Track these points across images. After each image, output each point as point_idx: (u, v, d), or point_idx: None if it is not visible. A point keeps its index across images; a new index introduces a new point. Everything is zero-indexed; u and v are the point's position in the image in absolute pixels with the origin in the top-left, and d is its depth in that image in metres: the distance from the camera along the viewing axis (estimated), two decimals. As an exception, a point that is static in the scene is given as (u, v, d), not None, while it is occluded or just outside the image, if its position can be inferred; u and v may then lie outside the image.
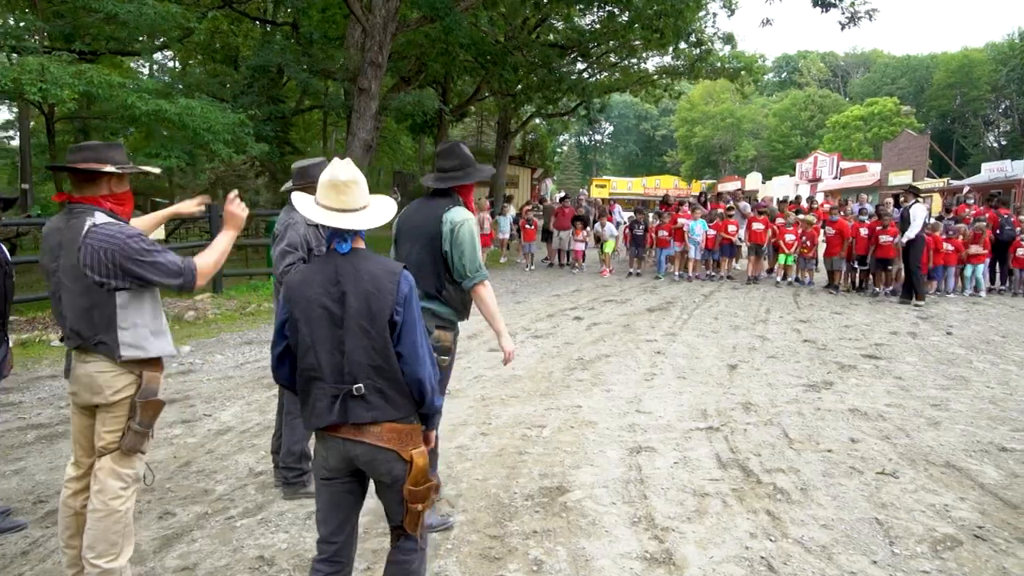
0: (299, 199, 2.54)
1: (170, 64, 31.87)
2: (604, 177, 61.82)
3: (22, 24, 12.01)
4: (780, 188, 44.23)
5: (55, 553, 3.48)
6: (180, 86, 15.32)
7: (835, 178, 42.71)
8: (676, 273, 14.93)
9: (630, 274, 15.49)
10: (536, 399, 6.10)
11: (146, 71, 31.68)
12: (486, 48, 19.24)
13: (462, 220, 3.44)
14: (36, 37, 11.32)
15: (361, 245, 2.44)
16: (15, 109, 21.81)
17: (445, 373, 3.63)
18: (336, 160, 2.44)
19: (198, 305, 9.61)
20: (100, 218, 2.76)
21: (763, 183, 50.06)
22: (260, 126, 13.23)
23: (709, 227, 14.55)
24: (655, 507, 3.98)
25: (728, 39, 25.17)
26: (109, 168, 2.81)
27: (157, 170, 3.33)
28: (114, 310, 2.75)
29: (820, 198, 25.86)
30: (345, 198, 2.37)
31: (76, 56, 10.28)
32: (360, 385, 2.33)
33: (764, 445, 4.98)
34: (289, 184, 4.40)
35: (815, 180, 44.32)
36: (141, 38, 13.24)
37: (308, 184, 3.93)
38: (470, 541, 3.61)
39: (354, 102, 13.99)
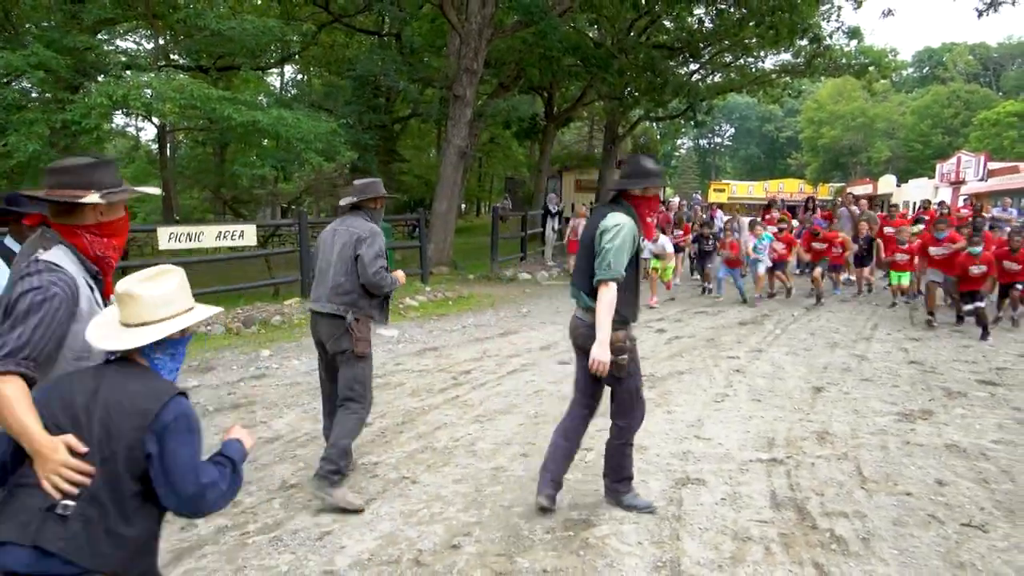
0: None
1: (300, 77, 33.66)
2: (723, 181, 59.70)
3: (140, 45, 12.93)
4: (917, 191, 41.02)
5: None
6: (289, 96, 16.12)
7: (981, 180, 39.02)
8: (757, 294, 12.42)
9: (705, 290, 13.32)
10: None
11: (278, 84, 33.59)
12: (589, 52, 18.91)
13: (614, 224, 3.72)
14: (150, 56, 12.13)
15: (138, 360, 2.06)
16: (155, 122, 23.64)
17: (632, 371, 3.91)
18: (146, 271, 2.12)
19: (285, 310, 9.90)
20: (44, 256, 2.19)
21: (898, 186, 46.68)
22: (359, 135, 13.54)
23: (776, 239, 12.35)
24: (686, 550, 3.59)
25: (854, 33, 23.60)
26: (90, 199, 2.23)
27: (156, 191, 3.20)
28: None
29: (961, 202, 23.70)
30: (127, 311, 2.03)
31: (184, 72, 10.87)
32: (67, 503, 1.86)
33: (831, 483, 4.44)
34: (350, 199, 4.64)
35: (958, 183, 40.66)
36: (259, 53, 13.84)
37: (366, 200, 4.52)
38: (472, 576, 3.38)
39: (449, 109, 14.07)
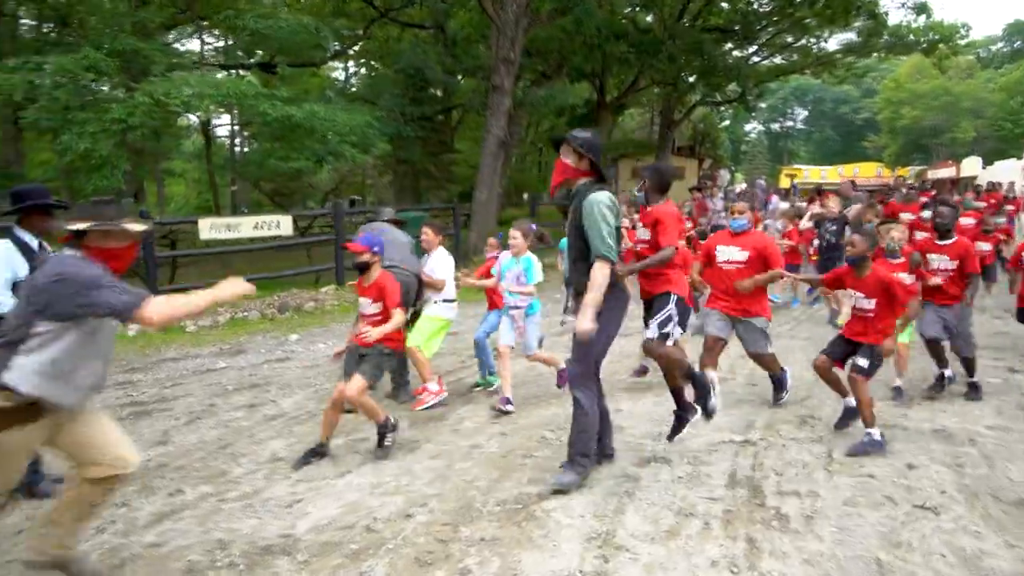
0: None
1: (358, 71, 34.46)
2: (795, 166, 57.83)
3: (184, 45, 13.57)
4: (1004, 173, 38.81)
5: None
6: (351, 90, 16.62)
7: (1075, 160, 36.65)
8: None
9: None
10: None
11: (342, 78, 34.40)
12: (636, 38, 18.77)
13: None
14: (196, 57, 12.76)
15: None
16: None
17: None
18: None
19: (319, 297, 10.33)
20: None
21: (984, 168, 44.25)
22: (400, 127, 13.88)
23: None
24: (626, 524, 3.70)
25: (921, 9, 22.60)
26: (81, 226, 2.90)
27: (140, 227, 3.30)
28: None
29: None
30: None
31: (228, 71, 11.39)
32: None
33: (794, 464, 4.44)
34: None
35: (1049, 163, 38.32)
36: (298, 50, 14.34)
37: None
38: (415, 543, 3.57)
39: (488, 99, 14.26)
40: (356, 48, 23.22)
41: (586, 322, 3.84)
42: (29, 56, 11.07)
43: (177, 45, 16.87)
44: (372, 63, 27.78)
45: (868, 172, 46.52)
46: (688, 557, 3.37)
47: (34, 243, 4.31)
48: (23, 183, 14.73)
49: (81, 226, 2.86)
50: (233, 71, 15.97)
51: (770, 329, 5.70)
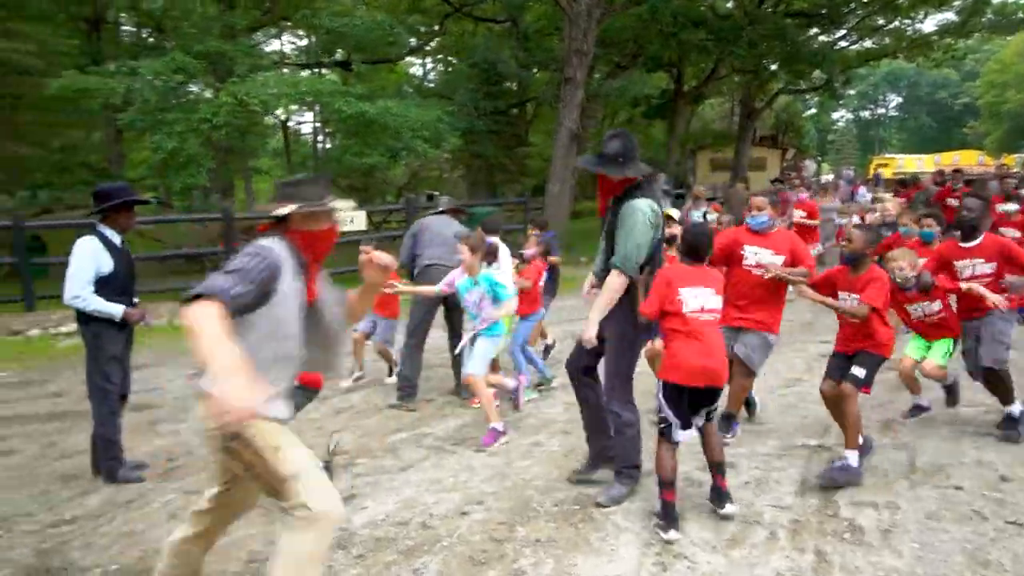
0: None
1: (434, 67, 34.87)
2: (887, 155, 55.20)
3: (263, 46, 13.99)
4: (1121, 159, 35.95)
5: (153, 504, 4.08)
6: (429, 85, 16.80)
7: None
8: None
9: None
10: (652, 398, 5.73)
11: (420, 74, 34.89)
12: (716, 25, 18.22)
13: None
14: (276, 56, 13.14)
15: None
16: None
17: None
18: None
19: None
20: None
21: (1097, 154, 41.12)
22: (473, 121, 13.94)
23: None
24: (687, 530, 3.56)
25: (1027, -17, 21.11)
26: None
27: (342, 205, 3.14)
28: None
29: None
30: None
31: (307, 69, 11.67)
32: None
33: (873, 473, 4.18)
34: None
35: None
36: (372, 47, 14.59)
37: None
38: (469, 542, 3.54)
39: (561, 92, 14.14)
40: (432, 44, 23.45)
41: (589, 330, 3.73)
42: (126, 61, 11.64)
43: (263, 46, 17.50)
44: (449, 59, 28.09)
45: (969, 160, 43.81)
46: (750, 568, 3.21)
47: (117, 239, 4.50)
48: (115, 181, 15.59)
49: (287, 210, 2.55)
50: (314, 70, 16.42)
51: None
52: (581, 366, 4.12)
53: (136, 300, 4.71)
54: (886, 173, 40.68)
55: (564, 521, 3.71)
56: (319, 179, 2.75)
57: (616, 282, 3.74)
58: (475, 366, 4.99)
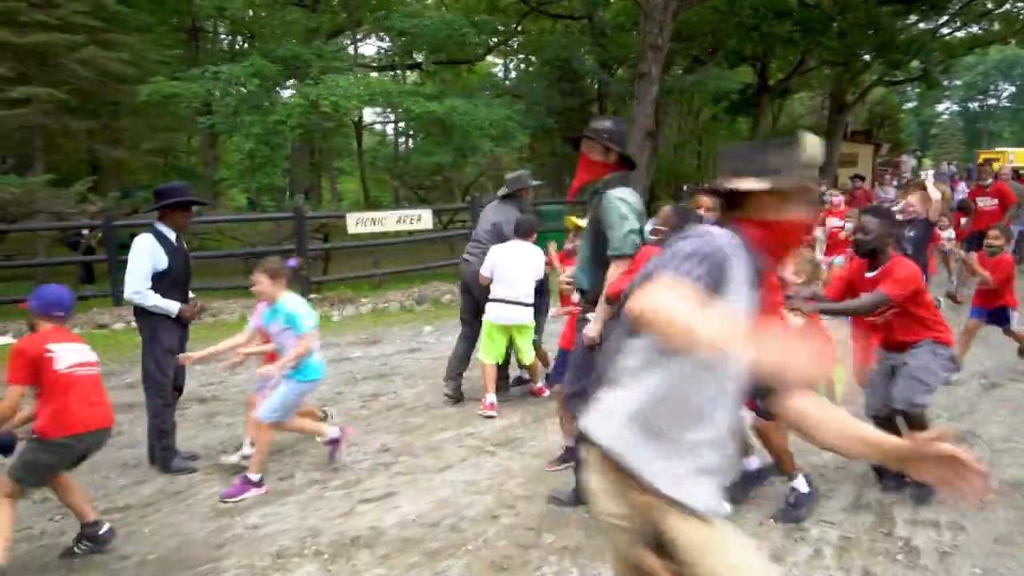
0: None
1: (516, 66, 34.93)
2: (998, 149, 51.67)
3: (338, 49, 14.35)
4: None
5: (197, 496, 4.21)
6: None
7: None
8: None
9: None
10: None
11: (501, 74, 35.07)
12: (802, 15, 17.46)
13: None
14: (350, 59, 13.43)
15: None
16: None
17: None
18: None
19: (457, 289, 10.50)
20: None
21: None
22: (543, 119, 13.87)
23: None
24: (724, 544, 3.37)
25: None
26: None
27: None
28: None
29: None
30: None
31: (381, 72, 11.86)
32: None
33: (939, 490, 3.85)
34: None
35: None
36: (441, 48, 14.69)
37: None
38: (495, 546, 3.47)
39: (635, 88, 13.88)
40: (513, 44, 23.47)
41: (592, 327, 3.48)
42: (207, 67, 12.17)
43: (347, 50, 17.99)
44: (530, 57, 28.06)
45: (1089, 154, 40.62)
46: (789, 589, 3.01)
47: (172, 237, 4.66)
48: (204, 182, 16.30)
49: (756, 184, 1.74)
50: (389, 72, 16.74)
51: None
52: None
53: (192, 295, 4.88)
54: (994, 167, 38.10)
55: (594, 528, 3.58)
56: (768, 147, 1.86)
57: (619, 271, 3.47)
58: (266, 410, 4.19)
